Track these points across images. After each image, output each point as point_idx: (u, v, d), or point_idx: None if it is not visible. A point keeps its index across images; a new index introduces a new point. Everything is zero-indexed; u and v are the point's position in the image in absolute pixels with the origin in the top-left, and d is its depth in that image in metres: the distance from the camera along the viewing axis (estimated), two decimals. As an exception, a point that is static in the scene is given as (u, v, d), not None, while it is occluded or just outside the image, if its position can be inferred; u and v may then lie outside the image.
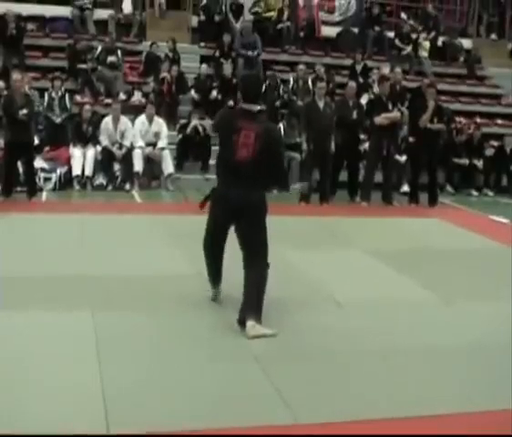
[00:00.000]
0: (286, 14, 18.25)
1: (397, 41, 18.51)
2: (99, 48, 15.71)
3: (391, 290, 7.61)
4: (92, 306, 6.49)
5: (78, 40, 15.79)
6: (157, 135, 13.79)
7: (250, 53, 16.80)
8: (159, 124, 13.93)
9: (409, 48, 18.45)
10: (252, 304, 6.09)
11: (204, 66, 16.32)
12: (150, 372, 5.23)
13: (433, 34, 19.17)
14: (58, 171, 13.24)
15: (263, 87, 15.72)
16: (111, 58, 15.54)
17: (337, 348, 5.87)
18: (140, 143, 13.61)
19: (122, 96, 14.91)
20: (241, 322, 6.06)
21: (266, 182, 6.52)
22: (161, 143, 13.78)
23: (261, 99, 6.57)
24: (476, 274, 8.30)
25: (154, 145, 13.79)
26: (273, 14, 18.25)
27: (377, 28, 18.78)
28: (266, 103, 15.18)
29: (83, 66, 15.46)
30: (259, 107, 6.46)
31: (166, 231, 9.56)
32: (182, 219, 10.48)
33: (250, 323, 5.98)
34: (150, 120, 13.85)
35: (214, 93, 15.72)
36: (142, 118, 13.88)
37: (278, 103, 15.80)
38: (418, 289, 7.70)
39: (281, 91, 16.02)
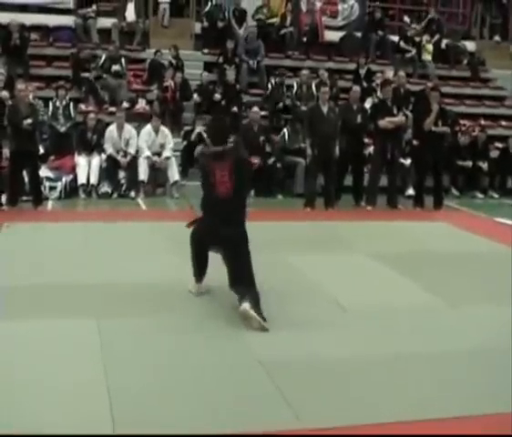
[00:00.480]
0: (289, 19, 18.29)
1: (402, 43, 18.49)
2: (103, 57, 15.76)
3: (396, 294, 7.60)
4: (97, 313, 6.51)
5: (82, 49, 15.83)
6: (162, 146, 13.82)
7: (251, 61, 16.82)
8: (165, 135, 13.95)
9: (413, 51, 18.43)
10: (251, 295, 6.37)
11: (205, 73, 16.33)
12: (155, 376, 5.26)
13: (436, 37, 19.16)
14: (64, 180, 13.26)
15: (268, 90, 15.84)
16: (115, 67, 15.60)
17: (341, 352, 5.87)
18: (147, 153, 13.63)
19: (125, 105, 14.93)
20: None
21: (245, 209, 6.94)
22: (167, 152, 13.79)
23: (228, 138, 7.09)
24: (482, 277, 8.28)
25: (159, 154, 13.82)
26: (276, 19, 18.28)
27: (380, 32, 18.79)
28: (269, 105, 15.23)
29: (87, 74, 15.50)
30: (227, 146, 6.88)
31: (171, 238, 9.56)
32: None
33: (246, 304, 6.24)
34: (156, 131, 13.87)
35: (217, 97, 15.73)
36: (148, 129, 13.90)
37: (280, 105, 15.82)
38: (423, 293, 7.69)
39: (284, 90, 16.02)
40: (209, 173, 6.74)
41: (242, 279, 6.49)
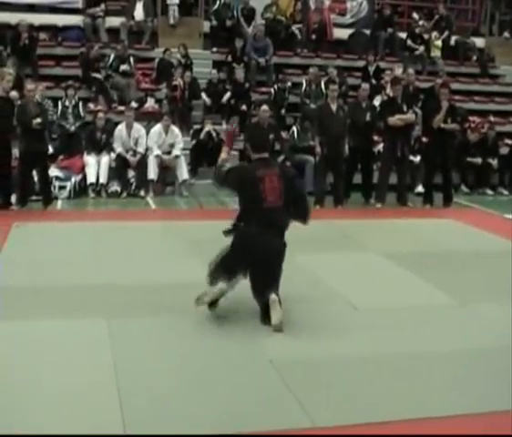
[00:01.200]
0: (298, 17, 18.26)
1: (410, 41, 18.44)
2: (112, 56, 15.76)
3: (406, 293, 7.59)
4: (107, 313, 6.52)
5: (91, 48, 15.83)
6: (172, 145, 13.84)
7: (260, 59, 16.81)
8: (175, 134, 13.94)
9: (421, 48, 18.38)
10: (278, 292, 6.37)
11: (214, 71, 16.32)
12: (165, 377, 5.26)
13: (445, 34, 19.10)
14: (73, 179, 13.28)
15: (272, 93, 15.82)
16: (123, 67, 15.60)
17: (352, 351, 5.87)
18: (156, 152, 13.64)
19: (134, 104, 14.93)
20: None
21: (290, 219, 6.76)
22: (176, 151, 13.80)
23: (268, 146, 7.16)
24: (492, 275, 8.23)
25: (169, 153, 13.82)
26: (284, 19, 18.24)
27: (389, 29, 18.72)
28: (273, 109, 15.21)
29: (96, 74, 15.51)
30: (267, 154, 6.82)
31: (181, 237, 9.58)
32: (197, 225, 10.51)
33: (275, 296, 6.25)
34: (166, 130, 13.88)
35: (226, 96, 15.74)
36: (158, 128, 13.90)
37: (283, 112, 15.84)
38: (434, 291, 7.66)
39: (286, 95, 16.01)
40: (256, 182, 6.48)
41: (273, 286, 6.40)
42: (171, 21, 17.51)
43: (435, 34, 18.76)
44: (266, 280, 6.39)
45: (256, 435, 4.50)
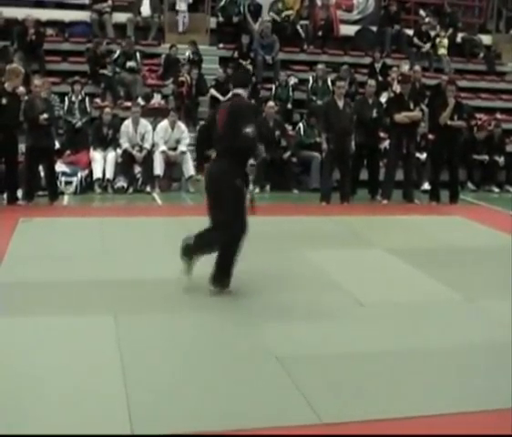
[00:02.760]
0: (304, 13, 18.24)
1: (416, 39, 18.42)
2: (118, 53, 15.77)
3: (412, 289, 7.59)
4: (114, 310, 6.52)
5: (98, 44, 15.84)
6: (178, 141, 13.85)
7: (267, 57, 16.80)
8: (181, 130, 13.95)
9: (428, 46, 18.36)
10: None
11: (221, 70, 16.29)
12: (173, 374, 5.26)
13: (450, 30, 19.06)
14: (79, 175, 13.30)
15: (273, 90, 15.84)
16: (130, 63, 15.61)
17: (358, 347, 5.87)
18: (162, 148, 13.66)
19: (141, 102, 14.92)
20: None
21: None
22: (182, 147, 13.81)
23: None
24: (498, 271, 8.21)
25: (175, 149, 13.84)
26: (292, 12, 18.22)
27: (396, 26, 18.70)
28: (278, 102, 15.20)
29: (104, 70, 15.52)
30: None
31: (187, 233, 9.57)
32: (203, 221, 10.50)
33: None
34: (173, 126, 13.89)
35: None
36: (165, 124, 13.91)
37: (289, 106, 15.85)
38: (440, 287, 7.65)
39: (289, 92, 16.01)
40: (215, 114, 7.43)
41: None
42: (180, 29, 17.42)
43: (441, 32, 18.71)
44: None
45: (260, 435, 4.49)
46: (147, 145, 13.74)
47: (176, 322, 6.35)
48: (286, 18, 17.94)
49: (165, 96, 15.66)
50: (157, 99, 15.61)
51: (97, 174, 13.45)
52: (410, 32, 18.89)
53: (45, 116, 11.60)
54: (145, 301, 6.87)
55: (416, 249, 9.19)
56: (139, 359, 5.48)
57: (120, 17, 17.42)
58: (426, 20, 19.00)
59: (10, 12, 16.28)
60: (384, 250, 9.12)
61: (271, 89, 16.19)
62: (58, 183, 12.69)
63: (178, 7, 17.62)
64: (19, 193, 11.79)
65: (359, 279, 7.84)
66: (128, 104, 14.81)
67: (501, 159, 15.69)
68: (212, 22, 18.04)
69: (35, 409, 4.63)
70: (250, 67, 16.11)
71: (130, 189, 13.53)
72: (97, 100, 15.17)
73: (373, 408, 4.80)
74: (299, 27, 18.02)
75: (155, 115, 14.71)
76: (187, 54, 16.29)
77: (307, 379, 5.18)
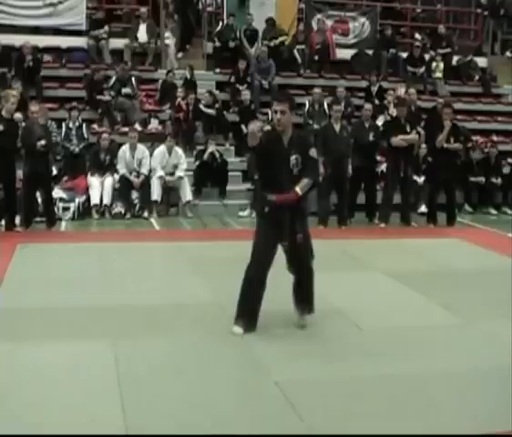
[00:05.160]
0: (301, 37, 18.32)
1: (409, 67, 18.47)
2: (113, 79, 15.80)
3: (411, 312, 7.59)
4: (113, 335, 6.52)
5: (96, 70, 15.89)
6: (176, 166, 13.88)
7: (264, 81, 16.85)
8: (179, 155, 13.99)
9: (422, 69, 18.44)
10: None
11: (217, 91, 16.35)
12: (172, 398, 5.24)
13: (446, 51, 19.13)
14: (77, 200, 13.31)
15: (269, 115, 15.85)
16: (125, 90, 15.64)
17: (357, 371, 5.86)
18: (159, 173, 13.68)
19: (138, 127, 14.95)
20: None
21: None
22: (180, 172, 13.84)
23: None
24: (497, 293, 8.22)
25: (172, 174, 13.86)
26: (286, 38, 18.31)
27: (391, 50, 18.79)
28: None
29: (101, 96, 15.56)
30: None
31: (185, 258, 9.58)
32: (201, 246, 10.51)
33: None
34: (170, 152, 13.92)
35: (231, 117, 15.83)
36: (162, 149, 13.95)
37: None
38: (439, 310, 7.66)
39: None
40: None
41: None
42: (168, 67, 17.33)
43: (436, 56, 18.77)
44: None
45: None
46: (144, 170, 13.76)
47: (175, 347, 6.34)
48: (280, 44, 18.02)
49: (162, 122, 15.69)
50: (154, 124, 15.64)
51: (95, 199, 13.46)
52: (406, 55, 18.96)
53: (42, 142, 11.62)
54: (143, 326, 6.86)
55: (415, 272, 9.20)
56: (138, 383, 5.47)
57: (117, 43, 17.46)
58: (417, 43, 19.07)
59: (8, 39, 16.32)
60: (382, 273, 9.13)
61: (267, 114, 16.20)
62: (56, 209, 12.71)
63: (166, 42, 17.67)
64: (17, 219, 11.79)
65: (357, 302, 7.84)
66: (126, 129, 14.83)
67: (498, 181, 15.72)
68: (209, 47, 18.12)
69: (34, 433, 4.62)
70: (247, 92, 16.15)
71: (128, 215, 13.52)
72: (95, 126, 15.18)
73: (372, 431, 4.79)
74: (295, 52, 18.11)
75: (152, 140, 14.73)
76: (181, 78, 16.29)
77: (306, 403, 5.16)
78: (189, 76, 16.36)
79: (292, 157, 6.52)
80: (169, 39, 17.62)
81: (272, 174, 6.52)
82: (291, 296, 6.84)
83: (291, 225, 6.51)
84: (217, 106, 15.55)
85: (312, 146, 6.88)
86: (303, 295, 6.85)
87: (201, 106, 15.57)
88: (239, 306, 6.64)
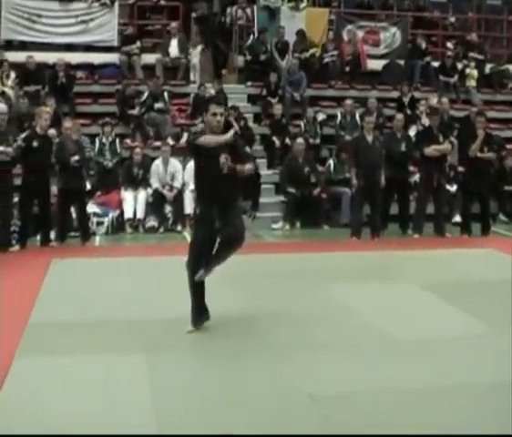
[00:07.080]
0: (331, 47, 18.31)
1: (441, 76, 18.36)
2: (146, 94, 15.90)
3: (445, 324, 7.52)
4: (146, 349, 6.55)
5: (128, 86, 16.01)
6: (208, 178, 13.91)
7: (295, 93, 16.86)
8: (210, 169, 14.01)
9: (455, 78, 18.33)
10: None
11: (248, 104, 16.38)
12: (205, 412, 5.24)
13: (479, 57, 19.00)
14: (110, 215, 13.40)
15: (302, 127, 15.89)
16: (158, 105, 15.72)
17: (392, 383, 5.82)
18: (192, 187, 13.69)
19: (170, 141, 15.01)
20: None
21: None
22: (212, 185, 13.85)
23: None
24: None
25: (205, 186, 13.88)
26: (317, 49, 18.31)
27: (423, 59, 18.70)
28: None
29: (132, 111, 15.67)
30: None
31: (219, 271, 9.57)
32: (234, 259, 10.50)
33: None
34: (202, 166, 13.96)
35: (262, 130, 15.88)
36: (194, 163, 13.99)
37: (317, 141, 15.90)
38: (473, 321, 7.59)
39: (317, 128, 16.07)
40: None
41: None
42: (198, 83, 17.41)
43: (469, 64, 18.66)
44: None
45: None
46: (177, 184, 13.82)
47: (207, 360, 6.35)
48: (311, 56, 18.03)
49: (194, 136, 15.70)
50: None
51: (128, 214, 13.55)
52: (437, 64, 18.86)
53: (76, 157, 11.77)
54: (176, 340, 6.88)
55: (449, 284, 9.12)
56: (171, 398, 5.47)
57: (149, 58, 17.58)
58: (449, 52, 18.96)
59: (41, 56, 16.51)
60: (415, 285, 9.08)
61: (299, 126, 16.22)
62: (90, 224, 12.81)
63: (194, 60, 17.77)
64: (52, 234, 11.92)
65: (392, 314, 7.79)
66: (158, 143, 14.92)
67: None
68: (240, 60, 18.18)
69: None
70: (279, 106, 16.19)
71: (161, 229, 13.59)
72: (127, 141, 15.28)
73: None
74: (328, 60, 18.08)
75: (184, 154, 14.76)
76: (211, 91, 16.32)
77: (341, 417, 5.14)
78: (217, 91, 16.37)
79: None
80: (196, 57, 17.69)
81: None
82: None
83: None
84: (241, 123, 15.47)
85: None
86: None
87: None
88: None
